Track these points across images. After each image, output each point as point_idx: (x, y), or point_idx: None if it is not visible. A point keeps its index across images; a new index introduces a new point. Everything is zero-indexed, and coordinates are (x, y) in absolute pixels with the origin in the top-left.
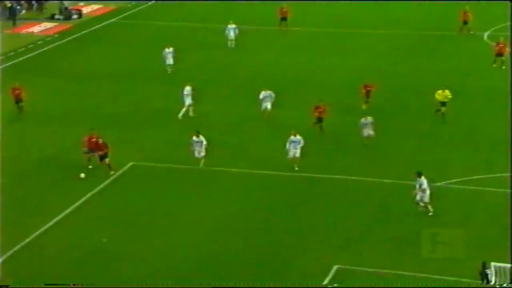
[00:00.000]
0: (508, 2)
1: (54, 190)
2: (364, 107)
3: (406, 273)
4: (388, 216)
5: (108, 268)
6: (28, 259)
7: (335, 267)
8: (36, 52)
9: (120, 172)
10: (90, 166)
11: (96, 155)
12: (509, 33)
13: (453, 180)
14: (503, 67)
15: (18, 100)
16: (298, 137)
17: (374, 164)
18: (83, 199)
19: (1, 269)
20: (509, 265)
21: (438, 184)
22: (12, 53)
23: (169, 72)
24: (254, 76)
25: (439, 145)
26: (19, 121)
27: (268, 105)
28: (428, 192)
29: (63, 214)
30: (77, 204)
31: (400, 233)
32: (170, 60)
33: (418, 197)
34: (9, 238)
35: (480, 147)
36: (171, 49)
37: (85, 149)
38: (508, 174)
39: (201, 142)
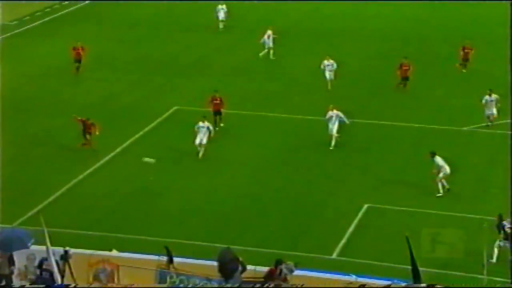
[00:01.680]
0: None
1: (105, 132)
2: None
3: (433, 211)
4: (418, 159)
5: (153, 204)
6: (82, 194)
7: (365, 206)
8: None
9: (165, 115)
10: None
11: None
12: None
13: (479, 125)
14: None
15: (76, 59)
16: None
17: (405, 109)
18: (131, 139)
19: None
20: None
21: (465, 128)
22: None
23: (220, 28)
24: None
25: (466, 91)
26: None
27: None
28: (445, 170)
29: (113, 154)
30: (125, 144)
31: (430, 175)
32: (222, 15)
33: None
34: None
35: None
36: (224, 6)
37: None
38: None
39: (207, 128)
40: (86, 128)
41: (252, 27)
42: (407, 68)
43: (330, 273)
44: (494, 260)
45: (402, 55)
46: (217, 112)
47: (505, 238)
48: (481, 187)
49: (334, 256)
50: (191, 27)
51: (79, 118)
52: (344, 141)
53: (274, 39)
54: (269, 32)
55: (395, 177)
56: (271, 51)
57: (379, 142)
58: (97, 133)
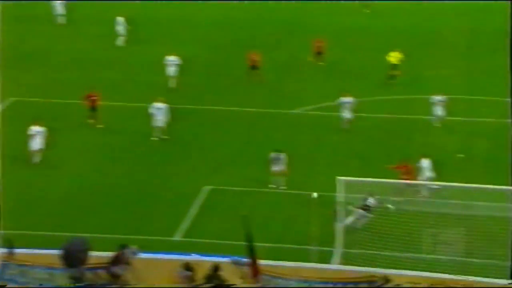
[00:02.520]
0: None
1: None
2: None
3: (270, 190)
4: (254, 141)
5: None
6: None
7: (206, 188)
8: None
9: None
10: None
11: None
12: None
13: (306, 108)
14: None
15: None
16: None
17: (239, 94)
18: None
19: None
20: None
21: (294, 111)
22: None
23: (59, 22)
24: None
25: (296, 77)
26: None
27: None
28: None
29: None
30: None
31: (265, 155)
32: (59, 10)
33: None
34: None
35: (334, 76)
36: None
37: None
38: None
39: (41, 131)
40: None
41: (95, 18)
42: (256, 58)
43: (173, 254)
44: (349, 222)
45: (246, 45)
46: (93, 108)
47: (363, 209)
48: (309, 165)
49: (177, 237)
50: (26, 18)
51: None
52: (182, 127)
53: (126, 28)
54: (120, 19)
55: (233, 159)
56: (123, 38)
57: (217, 127)
58: None
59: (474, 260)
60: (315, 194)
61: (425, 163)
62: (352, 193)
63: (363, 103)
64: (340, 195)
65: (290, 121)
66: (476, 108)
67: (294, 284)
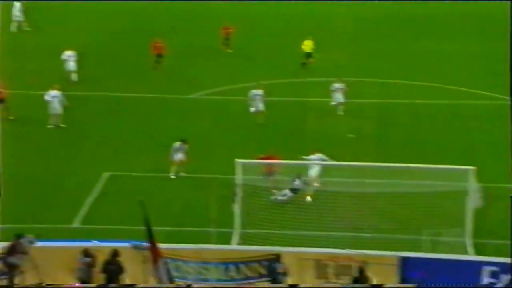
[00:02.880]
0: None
1: None
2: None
3: (167, 174)
4: (153, 126)
5: None
6: None
7: (105, 174)
8: None
9: None
10: None
11: None
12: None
13: (205, 92)
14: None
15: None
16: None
17: (136, 81)
18: None
19: None
20: None
21: (192, 96)
22: None
23: None
24: None
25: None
26: None
27: None
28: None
29: None
30: None
31: (163, 140)
32: None
33: None
34: None
35: (230, 61)
36: None
37: None
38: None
39: None
40: None
41: None
42: (161, 45)
43: (72, 241)
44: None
45: (143, 33)
46: (1, 101)
47: (292, 191)
48: (208, 148)
49: (76, 225)
50: None
51: None
52: (79, 114)
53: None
54: (17, 4)
55: (132, 145)
56: (17, 24)
57: (114, 114)
58: None
59: (365, 234)
60: (213, 185)
61: (315, 158)
62: (250, 175)
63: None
64: (239, 177)
65: (188, 106)
66: (364, 89)
67: (193, 265)
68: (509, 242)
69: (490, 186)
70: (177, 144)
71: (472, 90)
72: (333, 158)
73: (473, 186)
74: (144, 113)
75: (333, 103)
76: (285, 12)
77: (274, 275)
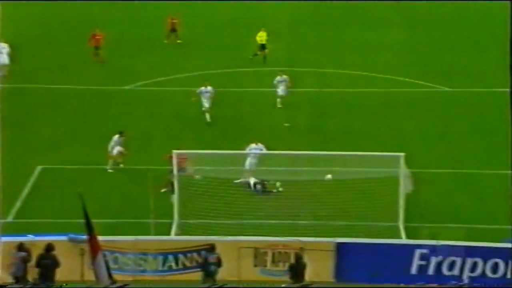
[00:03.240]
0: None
1: None
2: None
3: (103, 166)
4: (87, 119)
5: None
6: None
7: (39, 167)
8: None
9: None
10: None
11: None
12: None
13: (140, 83)
14: None
15: None
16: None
17: (71, 73)
18: None
19: None
20: None
21: (126, 87)
22: None
23: None
24: None
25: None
26: None
27: None
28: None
29: None
30: None
31: (99, 132)
32: None
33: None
34: None
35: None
36: None
37: None
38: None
39: None
40: None
41: None
42: (99, 37)
43: (6, 236)
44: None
45: (78, 24)
46: None
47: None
48: (144, 140)
49: (9, 219)
50: None
51: None
52: (14, 107)
53: None
54: None
55: (67, 138)
56: None
57: (50, 106)
58: None
59: (301, 221)
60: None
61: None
62: (188, 165)
63: (194, 77)
64: (176, 168)
65: (124, 98)
66: (300, 79)
67: (131, 257)
68: (439, 225)
69: (420, 172)
70: (116, 137)
71: (402, 79)
72: (269, 147)
73: (404, 172)
74: (80, 106)
75: (279, 96)
76: (219, 3)
77: (206, 266)
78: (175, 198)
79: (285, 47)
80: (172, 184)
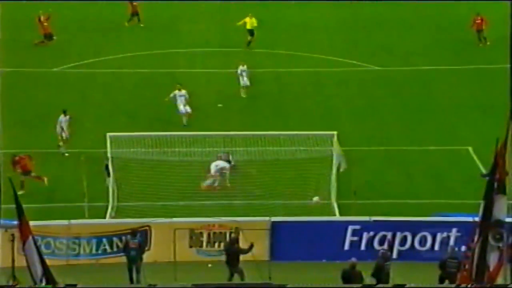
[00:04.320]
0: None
1: None
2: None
3: (48, 150)
4: (15, 102)
5: None
6: None
7: None
8: None
9: None
10: None
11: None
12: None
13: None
14: None
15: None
16: None
17: None
18: None
19: None
20: None
21: (56, 69)
22: None
23: None
24: None
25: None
26: None
27: None
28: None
29: None
30: None
31: (27, 116)
32: None
33: None
34: None
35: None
36: None
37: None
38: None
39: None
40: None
41: None
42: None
43: None
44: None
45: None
46: None
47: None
48: (76, 123)
49: None
50: None
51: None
52: None
53: None
54: None
55: None
56: None
57: None
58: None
59: (237, 201)
60: (82, 157)
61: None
62: (122, 148)
63: (124, 58)
64: (110, 151)
65: (53, 80)
66: (230, 59)
67: (64, 241)
68: (370, 201)
69: (352, 150)
70: (61, 117)
71: (332, 58)
72: (203, 128)
73: (336, 150)
74: (7, 88)
75: (242, 86)
76: None
77: (127, 251)
78: (110, 181)
79: (218, 28)
80: (107, 167)
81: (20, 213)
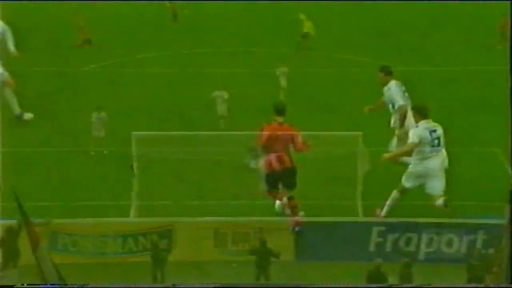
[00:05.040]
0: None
1: None
2: None
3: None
4: None
5: None
6: None
7: None
8: None
9: None
10: None
11: None
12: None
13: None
14: None
15: None
16: None
17: None
18: None
19: None
20: None
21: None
22: None
23: None
24: None
25: None
26: None
27: None
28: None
29: None
30: None
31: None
32: None
33: None
34: None
35: None
36: None
37: None
38: None
39: None
40: None
41: None
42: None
43: None
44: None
45: None
46: None
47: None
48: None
49: None
50: None
51: None
52: None
53: None
54: None
55: None
56: None
57: None
58: None
59: (260, 202)
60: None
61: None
62: (146, 147)
63: (158, 57)
64: (136, 150)
65: (81, 79)
66: (272, 60)
67: (91, 239)
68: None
69: (378, 150)
70: (95, 114)
71: (360, 59)
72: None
73: (361, 150)
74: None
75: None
76: None
77: (154, 250)
78: (135, 180)
79: (259, 28)
80: (132, 166)
81: (26, 222)
